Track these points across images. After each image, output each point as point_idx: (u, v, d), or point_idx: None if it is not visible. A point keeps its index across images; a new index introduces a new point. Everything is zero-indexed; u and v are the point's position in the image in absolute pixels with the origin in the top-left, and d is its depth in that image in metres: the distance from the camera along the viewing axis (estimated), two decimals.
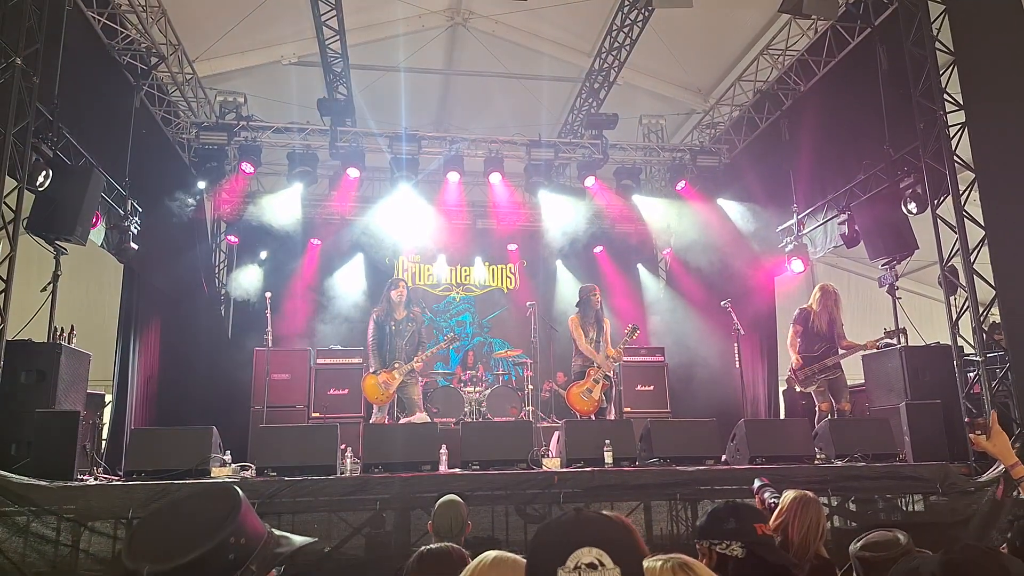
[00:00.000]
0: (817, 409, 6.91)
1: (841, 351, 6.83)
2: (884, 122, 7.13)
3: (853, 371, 7.35)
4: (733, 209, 9.95)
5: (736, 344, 7.39)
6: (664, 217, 11.37)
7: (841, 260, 12.85)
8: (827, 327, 6.87)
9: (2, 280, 5.37)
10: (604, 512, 1.22)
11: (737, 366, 7.37)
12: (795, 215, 8.82)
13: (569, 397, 7.21)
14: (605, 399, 7.08)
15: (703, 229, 10.31)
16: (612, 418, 7.30)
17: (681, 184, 10.48)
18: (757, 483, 3.23)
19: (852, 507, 5.68)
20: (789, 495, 2.59)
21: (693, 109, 11.23)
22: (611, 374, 7.23)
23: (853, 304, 11.69)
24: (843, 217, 7.91)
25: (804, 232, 8.78)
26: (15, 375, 5.41)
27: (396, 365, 6.90)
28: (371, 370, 7.03)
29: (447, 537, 3.31)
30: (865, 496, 5.56)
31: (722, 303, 7.62)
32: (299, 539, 1.35)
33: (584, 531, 1.13)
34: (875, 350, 6.77)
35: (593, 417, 6.92)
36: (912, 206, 6.82)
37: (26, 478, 4.63)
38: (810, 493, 2.70)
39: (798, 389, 7.07)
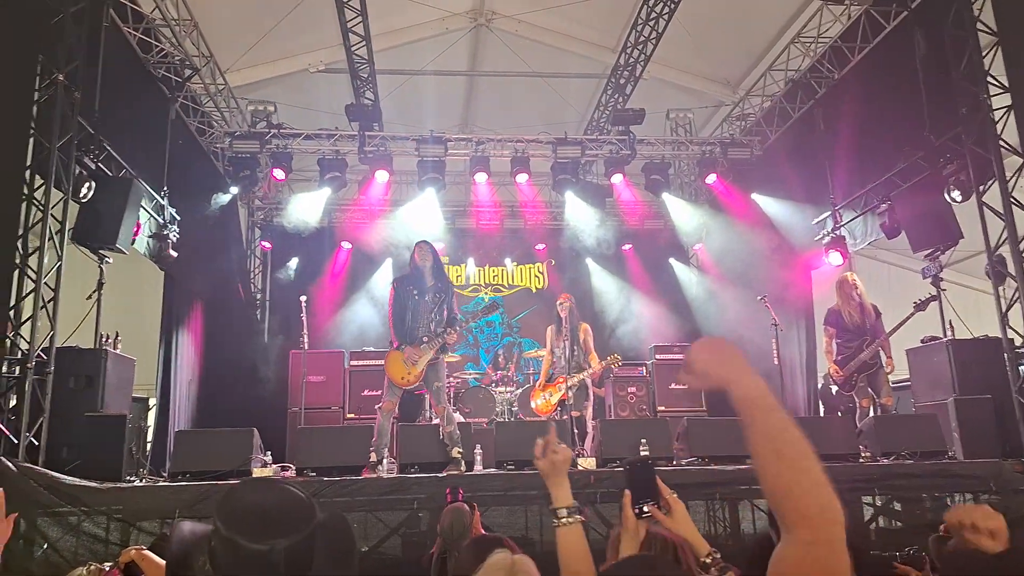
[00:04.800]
0: (858, 406, 6.80)
1: (877, 341, 6.72)
2: (924, 108, 6.97)
3: (898, 367, 7.21)
4: (766, 202, 9.81)
5: (774, 340, 7.29)
6: (694, 212, 11.29)
7: (880, 252, 12.59)
8: (860, 317, 6.77)
9: (51, 289, 5.59)
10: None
11: (775, 363, 7.27)
12: (832, 206, 8.68)
13: (532, 395, 7.90)
14: (576, 408, 7.29)
15: (735, 223, 10.21)
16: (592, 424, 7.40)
17: (711, 178, 10.39)
18: None
19: (897, 507, 5.57)
20: None
21: (722, 101, 11.12)
22: (587, 384, 7.56)
23: (895, 298, 11.36)
24: (883, 207, 7.76)
25: (842, 224, 8.63)
26: (64, 380, 5.62)
27: (425, 339, 5.93)
28: (394, 345, 6.02)
29: (449, 539, 3.61)
30: (912, 495, 5.44)
31: (759, 298, 7.54)
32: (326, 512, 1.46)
33: None
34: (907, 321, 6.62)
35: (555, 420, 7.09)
36: (956, 194, 6.62)
37: (77, 479, 4.81)
38: None
39: (834, 390, 6.97)
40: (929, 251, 7.10)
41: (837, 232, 8.59)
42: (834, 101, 8.77)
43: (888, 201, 7.64)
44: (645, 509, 1.80)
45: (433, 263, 6.14)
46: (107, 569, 2.76)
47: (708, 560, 1.81)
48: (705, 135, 11.30)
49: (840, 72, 8.69)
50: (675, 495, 1.88)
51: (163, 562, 1.91)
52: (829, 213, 8.73)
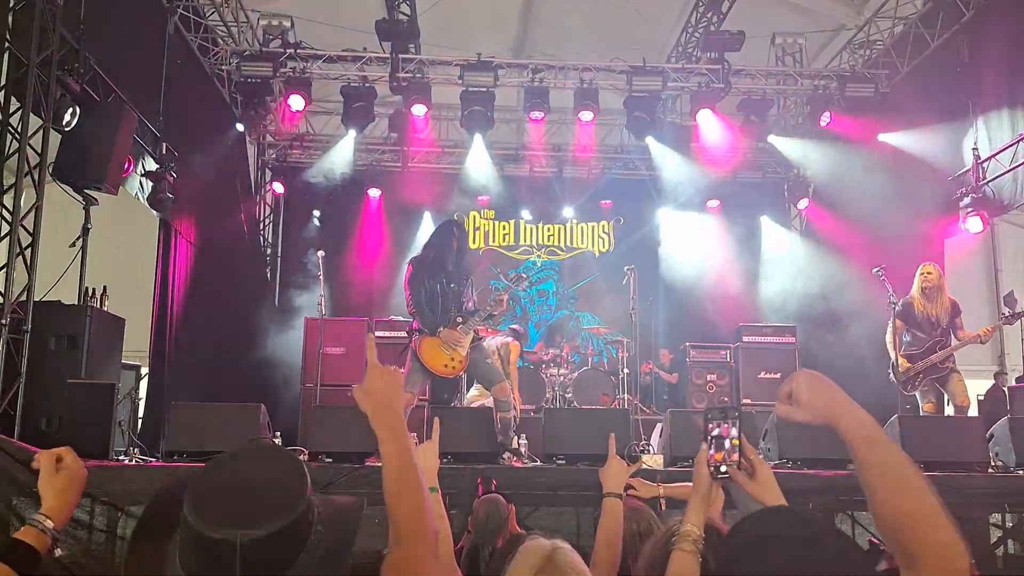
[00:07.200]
0: (920, 409, 6.99)
1: (955, 342, 6.89)
2: None
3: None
4: (892, 151, 9.49)
5: (891, 322, 7.14)
6: (801, 161, 10.96)
7: None
8: (935, 312, 6.94)
9: (29, 233, 5.77)
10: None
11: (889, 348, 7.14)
12: (976, 159, 8.33)
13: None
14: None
15: (851, 177, 9.90)
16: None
17: (825, 119, 10.06)
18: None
19: None
20: None
21: (843, 24, 10.72)
22: None
23: None
24: None
25: (986, 181, 8.30)
26: (44, 341, 5.82)
27: (460, 319, 6.11)
28: (426, 331, 6.11)
29: (484, 533, 3.77)
30: None
31: (874, 270, 7.35)
32: (343, 498, 1.44)
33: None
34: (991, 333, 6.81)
35: None
36: None
37: None
38: None
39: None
40: None
41: (979, 192, 8.26)
42: (985, 26, 8.39)
43: None
44: (723, 469, 1.74)
45: (459, 248, 6.34)
46: None
47: None
48: (819, 66, 10.92)
49: None
50: (760, 455, 1.85)
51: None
52: (970, 167, 8.39)
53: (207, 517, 1.19)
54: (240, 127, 9.94)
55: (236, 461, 1.31)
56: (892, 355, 7.10)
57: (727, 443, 1.74)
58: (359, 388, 1.58)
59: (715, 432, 1.76)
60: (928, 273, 7.12)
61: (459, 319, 6.12)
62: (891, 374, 7.19)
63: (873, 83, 9.93)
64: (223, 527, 1.17)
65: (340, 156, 10.90)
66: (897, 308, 7.08)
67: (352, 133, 10.44)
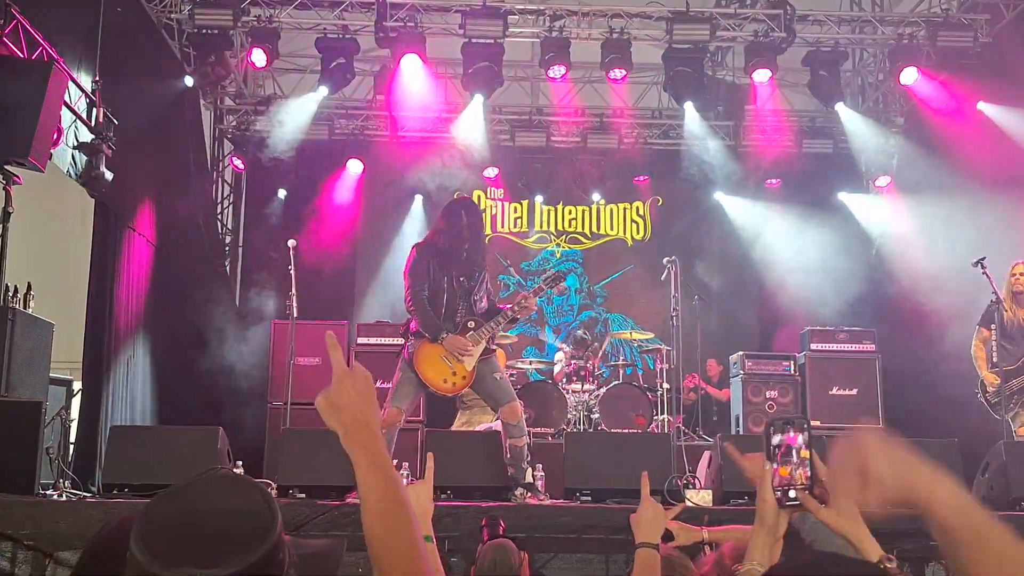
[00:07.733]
0: (1014, 435, 7.12)
1: None
2: None
3: None
4: (995, 113, 9.45)
5: (994, 327, 7.16)
6: (880, 130, 10.91)
7: None
8: None
9: None
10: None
11: (994, 358, 7.14)
12: None
13: None
14: None
15: (944, 146, 9.85)
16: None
17: (910, 75, 10.01)
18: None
19: None
20: None
21: None
22: None
23: None
24: None
25: None
26: None
27: (472, 323, 6.09)
28: (426, 336, 6.08)
29: None
30: None
31: (974, 262, 7.35)
32: (320, 541, 1.44)
33: None
34: None
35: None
36: None
37: None
38: None
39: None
40: None
41: None
42: None
43: None
44: (792, 494, 1.72)
45: (472, 233, 6.24)
46: None
47: (881, 567, 1.80)
48: (903, 11, 10.87)
49: None
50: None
51: None
52: None
53: (159, 554, 1.19)
54: (189, 81, 9.93)
55: (191, 491, 1.32)
56: (979, 370, 7.29)
57: (794, 455, 1.72)
58: (323, 397, 1.54)
59: (777, 440, 1.73)
60: (1021, 273, 7.26)
61: (470, 323, 6.05)
62: (978, 393, 7.34)
63: (971, 31, 9.87)
64: (179, 565, 1.18)
65: (305, 118, 10.87)
66: (985, 314, 7.26)
67: (323, 90, 10.39)
